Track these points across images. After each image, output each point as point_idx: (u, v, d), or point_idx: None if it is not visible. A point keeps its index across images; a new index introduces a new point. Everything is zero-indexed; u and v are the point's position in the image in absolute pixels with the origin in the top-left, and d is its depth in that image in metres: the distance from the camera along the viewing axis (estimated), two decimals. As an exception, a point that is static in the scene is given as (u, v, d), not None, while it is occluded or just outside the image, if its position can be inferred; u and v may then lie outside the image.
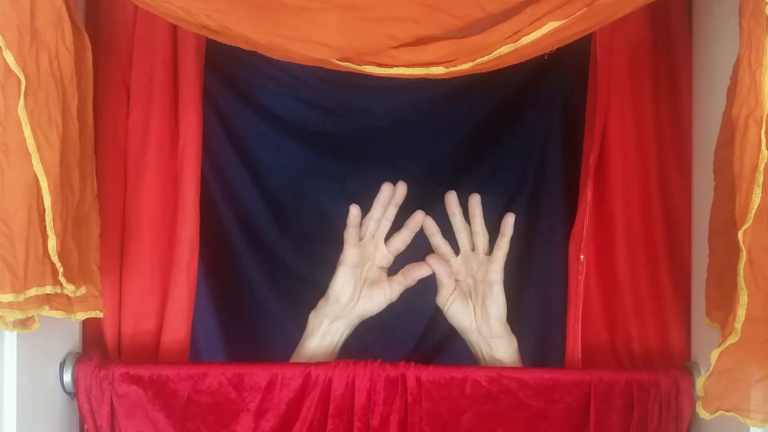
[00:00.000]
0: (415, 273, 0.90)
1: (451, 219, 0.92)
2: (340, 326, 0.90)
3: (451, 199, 0.91)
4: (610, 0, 0.63)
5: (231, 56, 0.95)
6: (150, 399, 0.81)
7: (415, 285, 1.11)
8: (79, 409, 0.83)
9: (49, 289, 0.69)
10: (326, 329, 0.89)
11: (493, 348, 0.89)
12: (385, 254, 0.92)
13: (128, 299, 0.88)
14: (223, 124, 1.06)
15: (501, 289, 0.88)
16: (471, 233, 0.91)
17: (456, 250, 0.93)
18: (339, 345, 0.90)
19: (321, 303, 0.90)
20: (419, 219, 0.91)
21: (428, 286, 1.10)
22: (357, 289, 0.90)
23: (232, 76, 1.05)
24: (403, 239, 0.92)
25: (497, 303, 0.87)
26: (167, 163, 0.88)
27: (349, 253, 0.89)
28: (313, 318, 0.90)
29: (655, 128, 0.88)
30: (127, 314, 0.88)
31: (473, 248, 0.92)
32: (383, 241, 0.92)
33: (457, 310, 0.90)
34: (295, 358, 0.89)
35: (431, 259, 0.91)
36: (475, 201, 0.90)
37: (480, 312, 0.89)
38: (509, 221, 0.89)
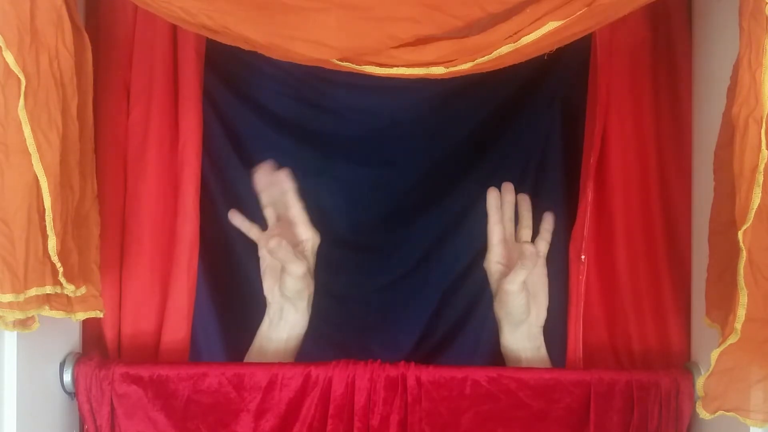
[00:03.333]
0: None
1: (504, 207, 0.93)
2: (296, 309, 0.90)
3: (509, 188, 0.92)
4: (610, 0, 0.63)
5: (231, 56, 0.95)
6: (150, 399, 0.82)
7: (416, 285, 1.11)
8: (79, 409, 0.83)
9: (49, 289, 0.69)
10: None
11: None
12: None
13: (128, 299, 0.88)
14: (223, 124, 1.06)
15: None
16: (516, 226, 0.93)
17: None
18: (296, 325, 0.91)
19: None
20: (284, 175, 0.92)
21: (428, 285, 1.11)
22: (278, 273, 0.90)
23: (232, 76, 1.05)
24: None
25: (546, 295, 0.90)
26: (167, 163, 0.88)
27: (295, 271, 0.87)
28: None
29: (655, 128, 0.88)
30: (127, 314, 0.88)
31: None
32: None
33: (518, 277, 0.87)
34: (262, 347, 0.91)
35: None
36: (526, 199, 0.93)
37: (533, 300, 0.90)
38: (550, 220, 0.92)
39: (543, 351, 0.90)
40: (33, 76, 0.66)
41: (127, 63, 0.87)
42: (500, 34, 0.65)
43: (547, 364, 0.90)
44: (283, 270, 0.88)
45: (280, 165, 1.09)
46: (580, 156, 0.90)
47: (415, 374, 0.81)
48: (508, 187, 0.93)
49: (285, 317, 0.91)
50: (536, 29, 0.64)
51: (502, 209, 0.92)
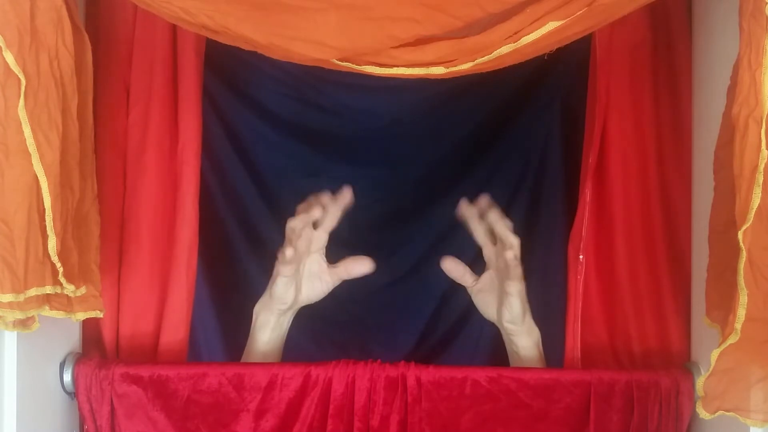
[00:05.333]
0: (355, 270, 0.89)
1: (470, 223, 0.90)
2: (287, 318, 0.91)
3: (462, 206, 0.90)
4: (610, 0, 0.63)
5: (231, 56, 0.95)
6: (150, 399, 0.81)
7: (416, 285, 1.12)
8: (79, 409, 0.83)
9: (49, 289, 0.69)
10: (275, 323, 0.89)
11: (513, 341, 0.89)
12: (319, 237, 0.89)
13: (127, 299, 0.88)
14: (223, 124, 1.06)
15: (516, 299, 0.86)
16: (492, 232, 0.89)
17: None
18: (285, 334, 0.91)
19: (266, 300, 0.89)
20: (347, 195, 0.88)
21: (428, 286, 1.11)
22: (297, 285, 0.89)
23: (232, 76, 1.05)
24: (333, 215, 0.89)
25: (511, 312, 0.87)
26: (167, 163, 0.88)
27: (284, 269, 0.86)
28: (262, 313, 0.89)
29: (655, 128, 0.88)
30: (126, 315, 0.88)
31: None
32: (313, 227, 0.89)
33: (479, 303, 0.92)
34: (247, 352, 0.90)
35: (445, 263, 0.90)
36: (488, 208, 0.88)
37: (499, 311, 0.89)
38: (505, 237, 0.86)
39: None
40: (33, 76, 0.66)
41: (127, 63, 0.87)
42: (500, 34, 0.65)
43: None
44: (327, 282, 0.90)
45: (280, 165, 1.10)
46: (580, 156, 0.90)
47: (415, 374, 0.81)
48: (461, 206, 0.90)
49: (286, 321, 0.91)
50: (536, 29, 0.64)
51: (471, 224, 0.90)
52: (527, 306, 0.88)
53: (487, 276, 0.91)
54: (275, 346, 0.90)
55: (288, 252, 0.82)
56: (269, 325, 0.89)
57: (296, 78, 1.06)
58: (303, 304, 0.91)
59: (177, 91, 0.88)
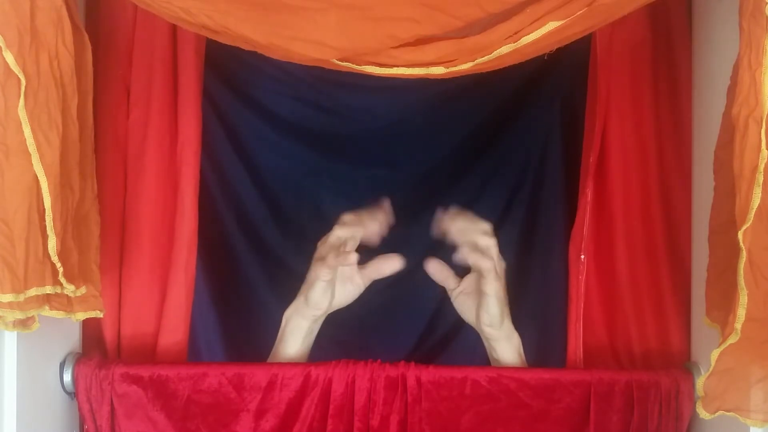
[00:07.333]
0: (385, 268, 0.88)
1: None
2: (318, 325, 0.89)
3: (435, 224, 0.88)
4: (610, 0, 0.63)
5: (231, 56, 0.95)
6: (150, 399, 0.82)
7: (416, 285, 1.11)
8: (79, 409, 0.83)
9: (49, 289, 0.69)
10: (308, 330, 0.88)
11: (492, 347, 0.88)
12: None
13: (127, 300, 0.88)
14: (223, 124, 1.06)
15: (493, 299, 0.84)
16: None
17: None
18: (313, 341, 0.90)
19: (299, 305, 0.87)
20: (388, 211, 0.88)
21: (428, 286, 1.11)
22: (332, 290, 0.87)
23: (232, 76, 1.05)
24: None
25: (488, 313, 0.85)
26: (167, 163, 0.88)
27: (326, 272, 0.84)
28: (293, 318, 0.87)
29: (655, 128, 0.88)
30: (126, 315, 0.88)
31: None
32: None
33: (459, 306, 0.90)
34: (274, 358, 0.88)
35: (429, 265, 0.89)
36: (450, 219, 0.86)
37: (477, 314, 0.88)
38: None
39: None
40: (33, 76, 0.66)
41: (127, 63, 0.87)
42: (500, 34, 0.65)
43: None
44: (358, 284, 0.88)
45: (280, 165, 1.10)
46: (580, 156, 0.90)
47: (415, 374, 0.81)
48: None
49: (317, 328, 0.90)
50: (536, 29, 0.64)
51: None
52: (506, 309, 0.86)
53: (469, 278, 0.88)
54: (304, 355, 0.88)
55: (352, 257, 0.81)
56: (301, 331, 0.87)
57: (296, 78, 1.07)
58: (334, 309, 0.89)
59: (177, 91, 0.88)
